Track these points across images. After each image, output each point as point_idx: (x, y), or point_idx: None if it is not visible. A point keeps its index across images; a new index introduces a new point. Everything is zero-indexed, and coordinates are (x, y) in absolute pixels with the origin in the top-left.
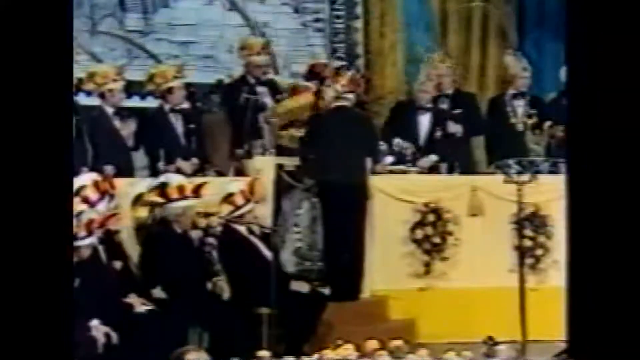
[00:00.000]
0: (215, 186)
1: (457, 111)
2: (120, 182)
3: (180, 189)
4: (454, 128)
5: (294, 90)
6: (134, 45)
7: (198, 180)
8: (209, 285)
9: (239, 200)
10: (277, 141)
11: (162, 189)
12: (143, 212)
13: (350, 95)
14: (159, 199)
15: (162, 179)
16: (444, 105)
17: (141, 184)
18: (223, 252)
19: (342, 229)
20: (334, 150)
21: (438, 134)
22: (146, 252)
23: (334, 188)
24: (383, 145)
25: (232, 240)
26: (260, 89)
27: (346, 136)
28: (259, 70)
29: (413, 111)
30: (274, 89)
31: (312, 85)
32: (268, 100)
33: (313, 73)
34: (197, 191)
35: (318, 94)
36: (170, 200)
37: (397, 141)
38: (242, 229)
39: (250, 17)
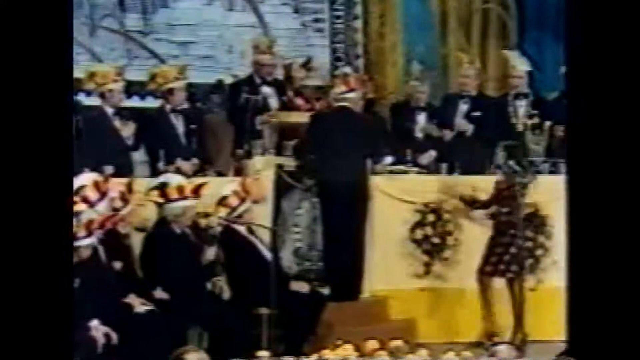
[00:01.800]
0: (215, 186)
1: (476, 113)
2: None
3: (180, 189)
4: (465, 127)
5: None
6: (135, 44)
7: (198, 180)
8: (209, 286)
9: (234, 201)
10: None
11: (161, 189)
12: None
13: (351, 95)
14: (159, 199)
15: (161, 179)
16: (465, 107)
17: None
18: (223, 253)
19: (342, 229)
20: (335, 151)
21: (434, 133)
22: (146, 252)
23: (335, 188)
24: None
25: (232, 240)
26: (266, 89)
27: (347, 136)
28: (265, 70)
29: (410, 111)
30: (280, 89)
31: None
32: (274, 101)
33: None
34: (196, 191)
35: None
36: (169, 200)
37: (423, 125)
38: (241, 229)
39: (263, 16)
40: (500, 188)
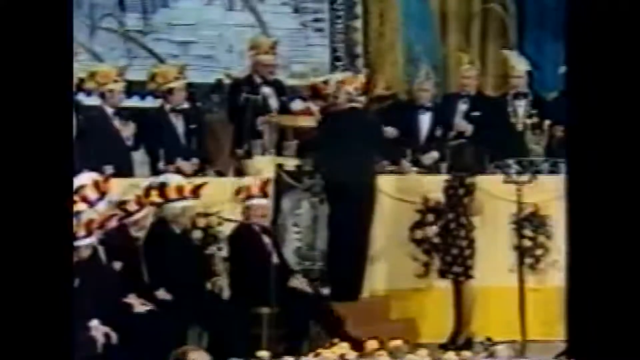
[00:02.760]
0: (215, 186)
1: (475, 113)
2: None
3: (179, 189)
4: (464, 127)
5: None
6: (135, 44)
7: (197, 180)
8: (209, 285)
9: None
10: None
11: (161, 189)
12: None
13: (362, 98)
14: (158, 199)
15: (161, 179)
16: (464, 107)
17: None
18: (233, 250)
19: (348, 229)
20: (345, 151)
21: (438, 132)
22: (145, 252)
23: (344, 188)
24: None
25: (245, 238)
26: (266, 89)
27: (357, 137)
28: (266, 70)
29: (414, 110)
30: (280, 90)
31: (315, 107)
32: (273, 101)
33: (316, 93)
34: (195, 192)
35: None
36: (169, 200)
37: (387, 129)
38: (256, 228)
39: (262, 16)
40: (448, 187)
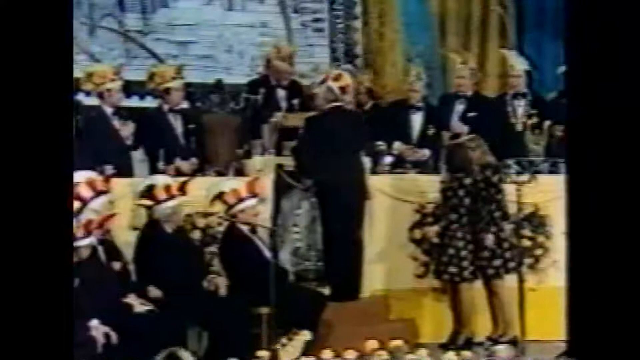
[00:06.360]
0: (212, 186)
1: (472, 114)
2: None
3: (167, 189)
4: (460, 128)
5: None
6: (134, 44)
7: (181, 178)
8: (205, 284)
9: (230, 199)
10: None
11: (149, 191)
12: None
13: (347, 97)
14: (149, 202)
15: (147, 181)
16: (461, 107)
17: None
18: (224, 251)
19: (340, 229)
20: (331, 150)
21: (430, 132)
22: (140, 254)
23: (331, 188)
24: (383, 145)
25: (234, 238)
26: (281, 92)
27: (342, 136)
28: (280, 75)
29: (405, 110)
30: (296, 92)
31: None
32: (284, 105)
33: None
34: (182, 189)
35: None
36: (158, 202)
37: (397, 144)
38: (244, 227)
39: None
40: (444, 188)
